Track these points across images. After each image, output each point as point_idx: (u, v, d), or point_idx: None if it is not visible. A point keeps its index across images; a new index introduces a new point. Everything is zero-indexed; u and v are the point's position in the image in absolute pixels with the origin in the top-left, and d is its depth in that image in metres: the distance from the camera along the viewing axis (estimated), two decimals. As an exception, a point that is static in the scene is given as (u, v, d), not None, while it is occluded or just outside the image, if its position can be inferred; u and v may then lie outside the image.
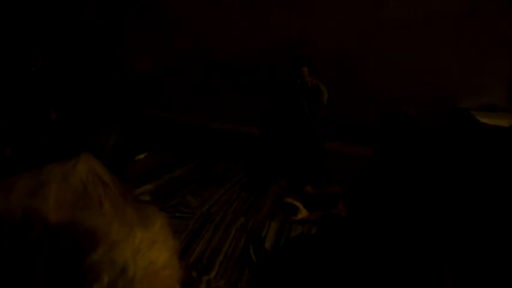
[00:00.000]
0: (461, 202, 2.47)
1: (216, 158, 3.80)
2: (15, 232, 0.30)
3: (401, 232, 1.58)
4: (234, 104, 4.34)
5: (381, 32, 3.54)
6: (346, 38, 3.68)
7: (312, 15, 3.73)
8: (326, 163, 3.39)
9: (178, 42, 4.42)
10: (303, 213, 2.22)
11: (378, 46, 3.59)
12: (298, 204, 2.25)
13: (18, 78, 3.56)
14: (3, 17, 4.63)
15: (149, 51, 4.61)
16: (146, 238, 0.35)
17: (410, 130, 1.67)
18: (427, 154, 1.77)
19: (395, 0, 3.44)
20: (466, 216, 2.38)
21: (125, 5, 4.51)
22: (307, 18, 3.76)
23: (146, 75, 4.68)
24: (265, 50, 4.02)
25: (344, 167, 2.96)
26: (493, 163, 2.75)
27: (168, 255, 0.37)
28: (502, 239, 2.25)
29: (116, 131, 3.74)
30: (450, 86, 3.52)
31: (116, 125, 3.83)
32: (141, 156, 3.72)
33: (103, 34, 4.76)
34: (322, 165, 3.37)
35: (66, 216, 0.31)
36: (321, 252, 1.84)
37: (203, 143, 4.06)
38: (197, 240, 2.51)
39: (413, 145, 1.68)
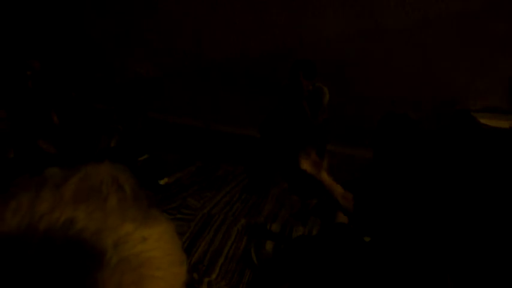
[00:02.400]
0: (462, 203, 2.47)
1: (217, 160, 3.81)
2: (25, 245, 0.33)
3: (401, 233, 1.58)
4: (234, 106, 4.35)
5: (381, 33, 3.55)
6: (347, 40, 3.69)
7: (312, 17, 3.74)
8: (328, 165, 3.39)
9: (178, 45, 4.43)
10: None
11: (378, 48, 3.60)
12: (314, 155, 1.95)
13: (16, 82, 3.58)
14: (2, 20, 4.65)
15: (149, 53, 4.62)
16: (137, 234, 0.36)
17: (410, 131, 1.67)
18: (427, 155, 1.78)
19: (395, 2, 3.44)
20: (467, 217, 2.38)
21: (125, 6, 4.53)
22: (307, 20, 3.77)
23: (147, 77, 4.69)
24: (266, 51, 4.03)
25: (344, 168, 2.97)
26: (493, 164, 2.75)
27: (167, 259, 0.38)
28: (503, 240, 2.24)
29: (117, 133, 3.75)
30: (450, 87, 3.52)
31: (117, 127, 3.85)
32: (143, 158, 3.73)
33: (103, 36, 4.78)
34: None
35: (71, 208, 0.35)
36: (321, 253, 1.84)
37: (204, 145, 4.07)
38: (198, 242, 2.52)
39: (413, 146, 1.68)
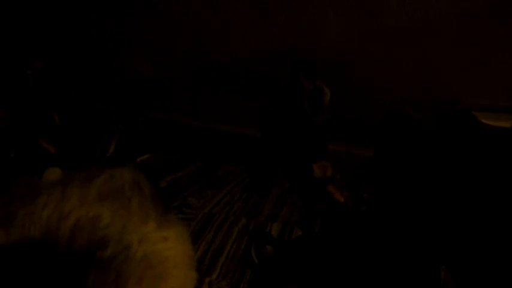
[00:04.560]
0: (463, 203, 2.46)
1: (217, 159, 3.81)
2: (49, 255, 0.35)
3: (402, 232, 1.58)
4: (234, 106, 4.35)
5: (381, 33, 3.54)
6: (347, 40, 3.68)
7: (312, 17, 3.74)
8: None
9: (178, 44, 4.44)
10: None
11: (379, 48, 3.59)
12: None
13: (17, 82, 3.58)
14: (3, 20, 4.65)
15: (150, 53, 4.62)
16: (158, 233, 0.39)
17: (411, 131, 1.67)
18: (428, 155, 1.78)
19: (396, 2, 3.44)
20: (467, 217, 2.38)
21: (125, 7, 4.53)
22: (307, 20, 3.77)
23: (147, 76, 4.69)
24: (266, 51, 4.03)
25: (344, 168, 2.96)
26: (494, 164, 2.74)
27: (184, 260, 0.42)
28: (503, 240, 2.24)
29: (118, 133, 3.75)
30: (451, 87, 3.52)
31: (118, 126, 3.85)
32: (143, 158, 3.73)
33: (104, 36, 4.78)
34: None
35: (98, 204, 0.37)
36: (322, 253, 1.84)
37: (204, 144, 4.07)
38: (199, 241, 2.52)
39: (415, 146, 1.68)
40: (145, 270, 0.36)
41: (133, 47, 4.69)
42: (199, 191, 3.20)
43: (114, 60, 4.86)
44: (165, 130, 4.35)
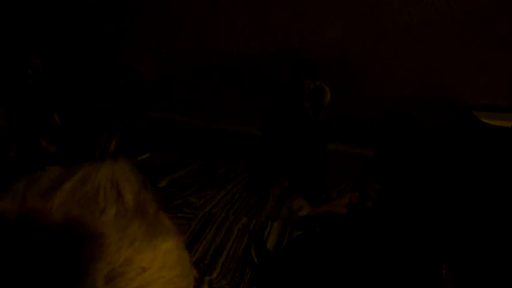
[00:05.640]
0: (464, 203, 2.46)
1: (218, 159, 3.81)
2: (12, 230, 0.29)
3: (402, 232, 1.58)
4: (235, 105, 4.34)
5: (383, 33, 3.54)
6: (348, 40, 3.68)
7: (314, 16, 3.74)
8: (329, 164, 3.39)
9: (179, 44, 4.43)
10: (307, 209, 2.15)
11: (380, 47, 3.59)
12: (302, 200, 2.17)
13: (17, 81, 3.59)
14: (4, 19, 4.65)
15: (150, 52, 4.62)
16: (136, 263, 0.30)
17: (412, 130, 1.67)
18: (428, 154, 1.77)
19: (398, 2, 3.43)
20: (468, 217, 2.38)
21: (126, 6, 4.53)
22: (308, 19, 3.76)
23: (148, 76, 4.69)
24: (267, 51, 4.03)
25: (345, 168, 2.96)
26: (495, 164, 2.74)
27: (164, 279, 0.32)
28: (504, 240, 2.24)
29: (119, 132, 3.75)
30: (452, 86, 3.52)
31: (119, 126, 3.85)
32: (144, 157, 3.73)
33: (104, 35, 4.78)
34: (326, 166, 3.37)
35: (64, 214, 0.30)
36: (322, 252, 1.84)
37: (205, 144, 4.07)
38: (199, 240, 2.52)
39: (415, 145, 1.68)
40: None
41: (135, 47, 4.69)
42: (199, 190, 3.20)
43: (114, 59, 4.85)
44: (165, 129, 4.35)
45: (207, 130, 4.38)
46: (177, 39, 4.43)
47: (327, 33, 3.73)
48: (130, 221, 0.32)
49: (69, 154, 3.37)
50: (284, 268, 1.99)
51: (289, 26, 3.87)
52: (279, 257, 2.19)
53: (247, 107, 4.24)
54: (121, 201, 0.32)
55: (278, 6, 3.84)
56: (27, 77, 3.59)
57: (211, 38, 4.25)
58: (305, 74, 3.07)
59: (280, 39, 3.94)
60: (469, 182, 2.70)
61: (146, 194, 0.36)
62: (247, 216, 2.84)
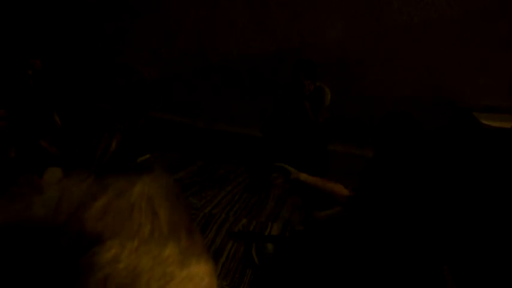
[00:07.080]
0: (464, 203, 2.46)
1: (218, 159, 3.80)
2: (48, 236, 0.29)
3: (402, 233, 1.58)
4: (235, 105, 4.34)
5: (383, 33, 3.54)
6: (348, 40, 3.68)
7: (314, 16, 3.74)
8: (329, 165, 3.39)
9: (179, 44, 4.43)
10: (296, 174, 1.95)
11: (379, 47, 3.59)
12: (289, 167, 2.00)
13: (18, 81, 3.58)
14: (4, 19, 4.65)
15: (150, 52, 4.62)
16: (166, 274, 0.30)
17: (412, 130, 1.67)
18: (428, 155, 1.77)
19: (398, 2, 3.43)
20: (468, 218, 2.38)
21: (126, 6, 4.53)
22: (308, 20, 3.76)
23: (148, 76, 4.69)
24: (267, 51, 4.03)
25: (345, 168, 2.96)
26: (494, 165, 2.74)
27: None
28: (504, 240, 2.24)
29: (119, 132, 3.75)
30: (452, 86, 3.52)
31: (119, 126, 3.84)
32: (144, 157, 3.73)
33: (104, 35, 4.78)
34: (326, 166, 3.37)
35: (98, 228, 0.29)
36: (323, 253, 1.84)
37: (205, 144, 4.07)
38: (199, 241, 2.51)
39: (415, 146, 1.68)
40: None
41: (135, 47, 4.69)
42: (199, 191, 3.20)
43: (114, 59, 4.85)
44: (165, 130, 4.35)
45: (208, 131, 4.38)
46: (177, 39, 4.43)
47: (327, 33, 3.73)
48: (164, 241, 0.31)
49: (69, 154, 3.37)
50: (284, 269, 1.99)
51: (289, 26, 3.86)
52: (279, 258, 2.19)
53: (248, 107, 4.24)
54: (156, 219, 0.32)
55: (278, 6, 3.84)
56: (27, 77, 3.59)
57: (211, 38, 4.25)
58: (305, 75, 3.07)
59: (280, 39, 3.94)
60: (469, 182, 2.70)
61: (181, 211, 0.36)
62: (248, 217, 2.84)
